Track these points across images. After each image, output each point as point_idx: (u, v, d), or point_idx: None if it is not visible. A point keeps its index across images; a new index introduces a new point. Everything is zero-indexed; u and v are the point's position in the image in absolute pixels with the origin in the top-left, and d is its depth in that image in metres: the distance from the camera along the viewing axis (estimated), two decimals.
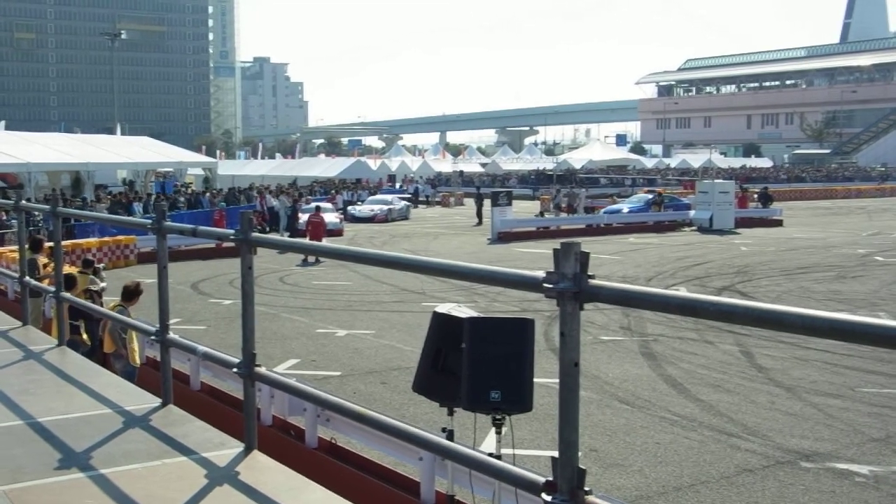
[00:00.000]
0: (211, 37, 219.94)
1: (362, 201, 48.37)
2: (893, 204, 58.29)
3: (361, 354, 13.79)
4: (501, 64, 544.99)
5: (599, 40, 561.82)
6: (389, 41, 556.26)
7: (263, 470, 4.47)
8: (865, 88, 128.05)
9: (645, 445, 9.28)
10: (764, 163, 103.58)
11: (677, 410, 10.53)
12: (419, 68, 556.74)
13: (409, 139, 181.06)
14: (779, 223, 39.92)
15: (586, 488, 2.84)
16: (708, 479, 8.32)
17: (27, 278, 8.61)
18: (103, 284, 12.01)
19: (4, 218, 26.45)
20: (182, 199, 37.96)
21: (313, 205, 35.00)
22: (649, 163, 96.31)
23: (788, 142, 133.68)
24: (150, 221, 5.56)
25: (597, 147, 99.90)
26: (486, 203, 38.23)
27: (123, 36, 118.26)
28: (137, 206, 33.90)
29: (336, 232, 34.44)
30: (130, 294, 10.20)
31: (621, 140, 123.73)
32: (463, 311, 5.36)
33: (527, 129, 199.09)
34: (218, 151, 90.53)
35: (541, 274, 2.90)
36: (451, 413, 5.56)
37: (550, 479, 2.88)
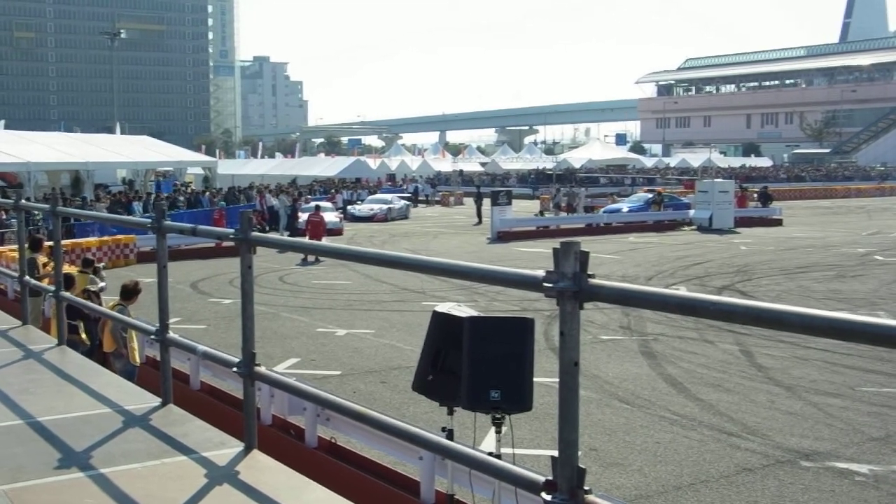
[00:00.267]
0: (210, 36, 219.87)
1: (362, 200, 48.40)
2: (893, 203, 58.31)
3: (361, 354, 13.79)
4: (501, 63, 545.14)
5: (599, 40, 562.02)
6: (389, 40, 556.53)
7: (263, 469, 4.47)
8: (865, 88, 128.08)
9: (645, 445, 9.29)
10: (763, 162, 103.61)
11: (677, 410, 10.53)
12: (418, 67, 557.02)
13: (408, 138, 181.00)
14: (778, 222, 39.93)
15: (586, 487, 2.84)
16: (708, 478, 8.32)
17: (27, 277, 8.61)
18: (102, 284, 12.01)
19: (4, 217, 26.45)
20: (182, 198, 37.96)
21: (313, 204, 35.00)
22: (649, 162, 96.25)
23: (788, 141, 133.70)
24: (149, 221, 5.56)
25: (596, 146, 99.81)
26: (486, 202, 38.24)
27: (123, 35, 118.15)
28: (137, 206, 33.91)
29: (336, 231, 34.44)
30: (129, 293, 10.21)
31: (621, 139, 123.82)
32: (463, 311, 5.36)
33: (526, 128, 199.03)
34: (217, 151, 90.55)
35: (540, 273, 2.90)
36: (450, 412, 5.56)
37: (550, 478, 2.88)
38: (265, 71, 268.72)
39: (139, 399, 5.80)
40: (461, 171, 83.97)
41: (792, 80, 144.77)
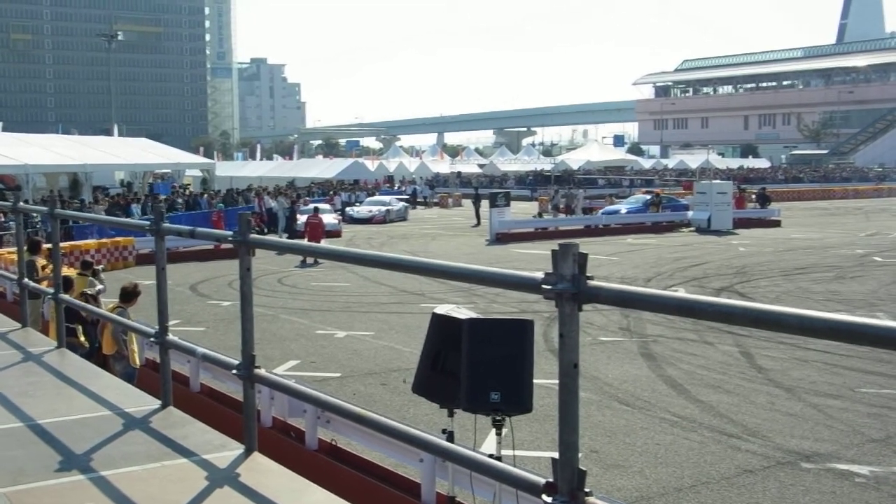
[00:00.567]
0: (208, 38, 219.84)
1: (360, 202, 48.39)
2: (891, 204, 58.36)
3: (361, 356, 13.79)
4: (499, 65, 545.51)
5: (597, 41, 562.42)
6: (386, 42, 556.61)
7: (264, 472, 4.47)
8: (862, 89, 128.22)
9: (645, 446, 9.29)
10: (761, 163, 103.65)
11: (677, 411, 10.53)
12: (416, 69, 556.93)
13: (406, 140, 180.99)
14: (777, 224, 39.95)
15: (587, 489, 2.84)
16: (708, 479, 8.32)
17: (26, 280, 8.61)
18: (100, 287, 11.99)
19: (3, 220, 26.43)
20: (180, 200, 37.95)
21: (311, 206, 35.00)
22: (647, 163, 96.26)
23: (786, 142, 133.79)
24: (148, 223, 5.56)
25: (594, 148, 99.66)
26: (485, 204, 38.24)
27: (120, 37, 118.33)
28: (136, 208, 33.90)
29: (334, 233, 34.44)
30: (129, 295, 10.21)
31: (619, 141, 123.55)
32: (462, 313, 5.36)
33: (524, 129, 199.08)
34: (216, 152, 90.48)
35: (539, 275, 2.90)
36: (451, 415, 5.56)
37: (551, 480, 2.88)
38: (263, 73, 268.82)
39: (139, 401, 5.79)
40: (459, 172, 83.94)
41: (789, 82, 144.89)
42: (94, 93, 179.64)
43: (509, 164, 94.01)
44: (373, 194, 53.61)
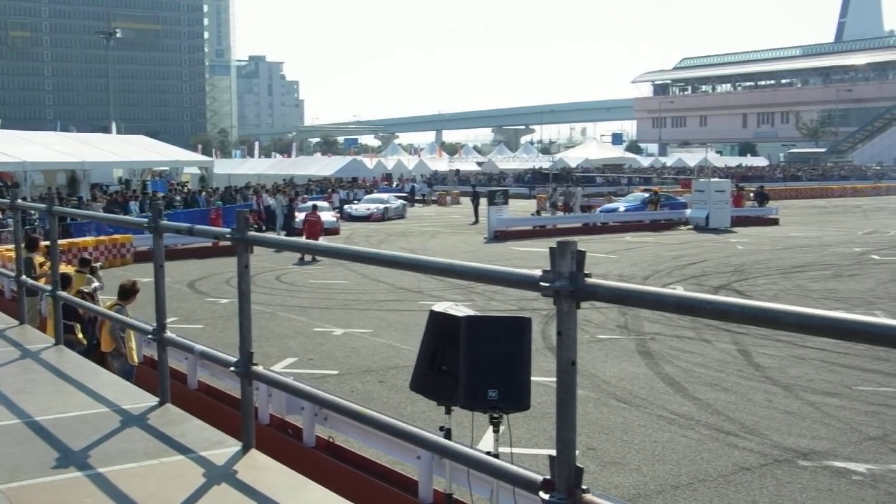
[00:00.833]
0: (206, 35, 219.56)
1: (359, 200, 48.38)
2: (889, 202, 58.40)
3: (359, 353, 13.79)
4: (497, 63, 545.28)
5: (595, 39, 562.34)
6: (385, 40, 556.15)
7: (261, 469, 4.47)
8: (860, 87, 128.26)
9: (642, 444, 9.30)
10: (760, 161, 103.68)
11: (675, 409, 10.54)
12: (415, 67, 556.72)
13: (405, 138, 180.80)
14: (775, 222, 39.97)
15: (584, 487, 2.85)
16: (706, 477, 8.33)
17: (23, 277, 8.60)
18: (96, 284, 11.97)
19: (1, 217, 26.42)
20: (178, 197, 37.93)
21: (310, 204, 34.99)
22: (645, 162, 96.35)
23: (784, 141, 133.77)
24: (146, 220, 5.56)
25: (593, 146, 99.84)
26: (483, 202, 38.24)
27: (119, 34, 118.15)
28: (134, 205, 33.88)
29: (332, 230, 34.43)
30: (127, 292, 10.20)
31: (617, 139, 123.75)
32: (460, 310, 5.36)
33: (523, 127, 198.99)
34: (214, 150, 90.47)
35: (537, 272, 2.90)
36: (448, 412, 5.56)
37: (548, 477, 2.89)
38: (261, 70, 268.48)
39: (137, 398, 5.79)
40: (458, 170, 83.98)
41: (788, 80, 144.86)
42: (93, 90, 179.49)
43: (508, 161, 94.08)
44: (371, 192, 53.60)
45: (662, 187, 55.95)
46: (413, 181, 67.14)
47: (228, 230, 4.70)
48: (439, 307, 5.48)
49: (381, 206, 44.76)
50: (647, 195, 43.61)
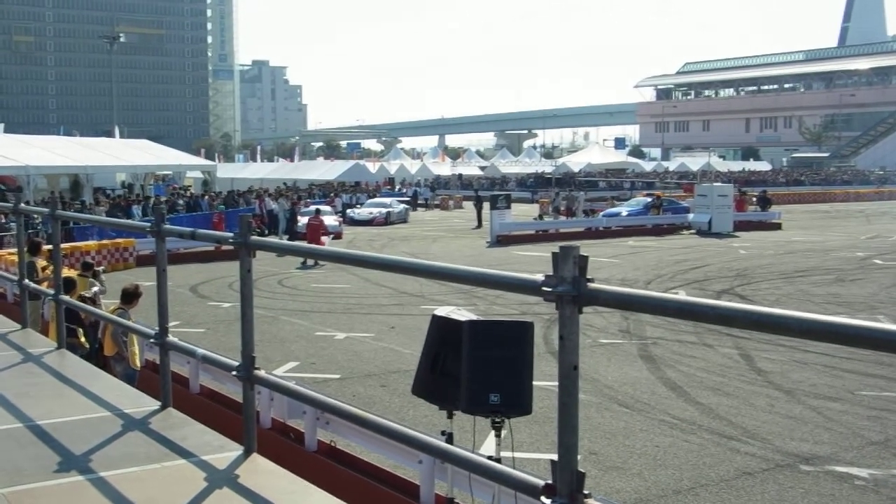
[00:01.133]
0: (209, 40, 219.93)
1: (361, 204, 48.42)
2: (892, 207, 58.35)
3: (361, 357, 13.79)
4: (500, 67, 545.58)
5: (598, 44, 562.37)
6: (388, 45, 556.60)
7: (263, 473, 4.47)
8: (864, 92, 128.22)
9: (644, 449, 9.28)
10: (762, 166, 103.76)
11: (677, 413, 10.53)
12: (418, 71, 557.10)
13: (407, 142, 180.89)
14: (777, 227, 39.94)
15: (585, 491, 2.84)
16: (707, 482, 8.32)
17: (26, 281, 8.62)
18: (95, 289, 11.95)
19: (3, 221, 26.45)
20: (181, 202, 37.97)
21: (313, 208, 35.01)
22: (648, 166, 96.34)
23: (787, 145, 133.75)
24: (148, 224, 5.56)
25: (595, 150, 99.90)
26: (486, 206, 38.26)
27: (122, 39, 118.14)
28: (136, 210, 33.92)
29: (335, 235, 34.45)
30: (130, 296, 10.21)
31: (620, 143, 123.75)
32: (462, 315, 5.36)
33: (525, 132, 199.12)
34: (217, 154, 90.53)
35: (540, 277, 2.90)
36: (450, 416, 5.56)
37: (550, 482, 2.88)
38: (264, 75, 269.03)
39: (138, 402, 5.79)
40: (460, 174, 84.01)
41: (791, 85, 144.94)
42: (96, 94, 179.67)
43: (510, 166, 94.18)
44: (374, 196, 53.64)
45: (665, 192, 55.91)
46: (418, 185, 67.13)
47: (231, 234, 4.70)
48: (441, 311, 5.48)
49: (384, 210, 44.78)
50: (649, 200, 43.59)
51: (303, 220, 33.00)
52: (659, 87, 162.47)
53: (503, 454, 5.09)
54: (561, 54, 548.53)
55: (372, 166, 72.74)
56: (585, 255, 2.81)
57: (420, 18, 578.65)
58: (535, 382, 4.83)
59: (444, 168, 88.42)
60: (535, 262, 24.77)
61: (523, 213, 45.35)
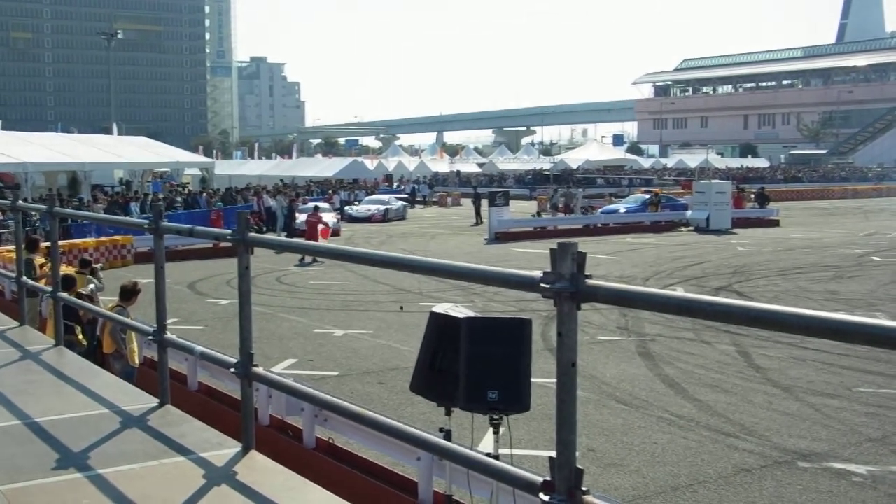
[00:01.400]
0: (207, 36, 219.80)
1: (359, 201, 48.38)
2: (890, 204, 58.40)
3: (359, 354, 13.79)
4: (498, 64, 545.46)
5: (596, 41, 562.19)
6: (386, 41, 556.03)
7: (261, 470, 4.47)
8: (862, 89, 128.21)
9: (642, 445, 9.29)
10: (761, 163, 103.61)
11: (675, 410, 10.54)
12: (416, 68, 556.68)
13: (405, 139, 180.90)
14: (775, 223, 39.95)
15: (584, 488, 2.85)
16: (705, 478, 8.33)
17: (24, 278, 8.61)
18: (91, 286, 11.94)
19: (1, 218, 26.42)
20: (179, 199, 37.94)
21: (311, 205, 35.00)
22: (646, 163, 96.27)
23: (785, 142, 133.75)
24: (146, 221, 5.56)
25: (594, 147, 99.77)
26: (484, 203, 38.25)
27: (120, 36, 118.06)
28: (134, 207, 33.89)
29: (333, 231, 34.43)
30: (128, 294, 10.20)
31: (618, 140, 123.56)
32: (460, 311, 5.36)
33: (524, 129, 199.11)
34: (215, 151, 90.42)
35: (538, 274, 2.90)
36: (448, 413, 5.56)
37: (548, 479, 2.88)
38: (262, 71, 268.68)
39: (137, 400, 5.79)
40: (458, 171, 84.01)
41: (789, 81, 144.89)
42: (94, 91, 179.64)
43: (508, 163, 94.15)
44: (372, 193, 53.61)
45: (663, 188, 55.89)
46: (416, 182, 67.09)
47: (229, 231, 4.71)
48: (440, 308, 5.48)
49: (382, 207, 44.77)
50: (647, 196, 43.58)
51: (301, 217, 32.99)
52: (657, 83, 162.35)
53: (501, 451, 5.09)
54: (559, 51, 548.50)
55: (370, 163, 72.66)
56: (583, 251, 2.81)
57: (418, 15, 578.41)
58: (533, 379, 4.83)
59: (442, 165, 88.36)
60: (533, 259, 24.77)
61: (521, 209, 45.34)
